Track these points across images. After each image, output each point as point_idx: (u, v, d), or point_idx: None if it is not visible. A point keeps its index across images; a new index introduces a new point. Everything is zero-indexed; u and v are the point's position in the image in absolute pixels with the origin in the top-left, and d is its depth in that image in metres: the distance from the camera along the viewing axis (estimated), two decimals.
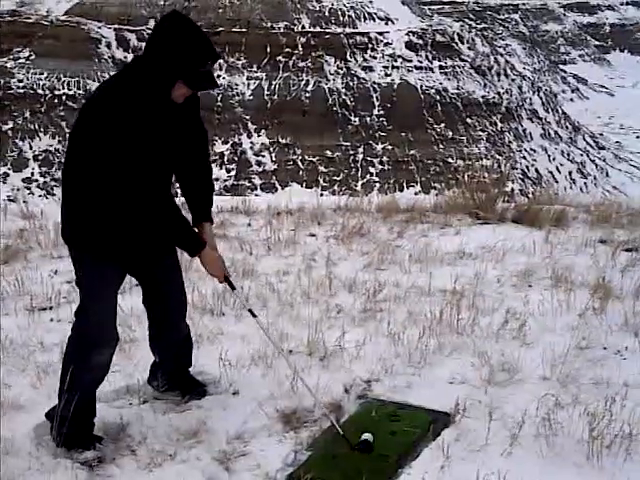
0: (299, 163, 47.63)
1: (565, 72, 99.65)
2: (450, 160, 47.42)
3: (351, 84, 51.14)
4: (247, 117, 49.18)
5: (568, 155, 58.60)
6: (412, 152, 49.09)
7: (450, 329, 4.41)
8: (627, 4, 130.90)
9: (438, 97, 52.25)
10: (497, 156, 50.12)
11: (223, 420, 3.53)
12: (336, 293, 5.09)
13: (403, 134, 49.41)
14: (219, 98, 48.75)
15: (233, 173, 46.26)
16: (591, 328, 4.39)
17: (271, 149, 48.17)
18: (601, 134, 72.72)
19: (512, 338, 4.29)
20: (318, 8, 55.47)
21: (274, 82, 50.72)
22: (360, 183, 46.52)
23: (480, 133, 52.41)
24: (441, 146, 50.13)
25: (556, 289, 5.00)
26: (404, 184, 46.48)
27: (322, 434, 3.46)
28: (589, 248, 6.03)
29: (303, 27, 53.81)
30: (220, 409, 3.63)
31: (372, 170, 48.25)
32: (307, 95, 50.21)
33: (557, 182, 51.79)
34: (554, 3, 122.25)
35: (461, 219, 7.06)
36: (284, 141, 48.34)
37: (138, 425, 3.48)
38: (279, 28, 53.00)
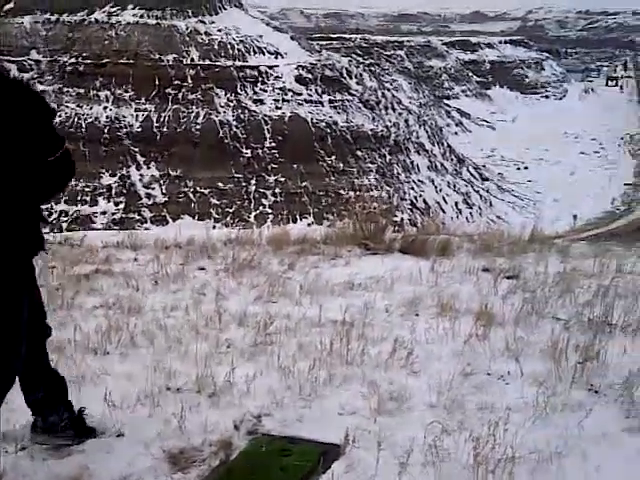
0: (190, 195, 47.26)
1: (449, 106, 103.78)
2: (342, 192, 48.29)
3: (242, 116, 51.38)
4: (136, 149, 48.47)
5: (454, 186, 60.84)
6: (304, 184, 49.71)
7: (340, 360, 4.41)
8: (505, 43, 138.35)
9: (328, 130, 53.26)
10: (386, 187, 51.39)
11: (107, 463, 3.38)
12: (226, 327, 5.01)
13: (295, 166, 50.01)
14: (106, 130, 47.88)
15: (122, 206, 45.33)
16: (475, 354, 4.50)
17: (161, 181, 47.60)
18: (484, 166, 75.91)
19: (400, 367, 4.33)
20: (207, 41, 55.60)
21: (163, 114, 50.30)
22: (253, 215, 46.64)
23: (370, 165, 53.71)
24: (332, 178, 51.01)
25: (442, 317, 5.11)
26: (297, 215, 46.91)
27: (211, 473, 3.37)
28: (473, 276, 6.21)
29: (192, 60, 53.78)
30: (104, 452, 3.48)
31: (265, 202, 48.46)
32: (198, 127, 50.04)
33: (444, 212, 53.63)
34: (437, 41, 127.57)
35: (351, 250, 7.15)
36: (175, 173, 47.89)
37: (14, 474, 3.28)
38: (168, 60, 52.76)
